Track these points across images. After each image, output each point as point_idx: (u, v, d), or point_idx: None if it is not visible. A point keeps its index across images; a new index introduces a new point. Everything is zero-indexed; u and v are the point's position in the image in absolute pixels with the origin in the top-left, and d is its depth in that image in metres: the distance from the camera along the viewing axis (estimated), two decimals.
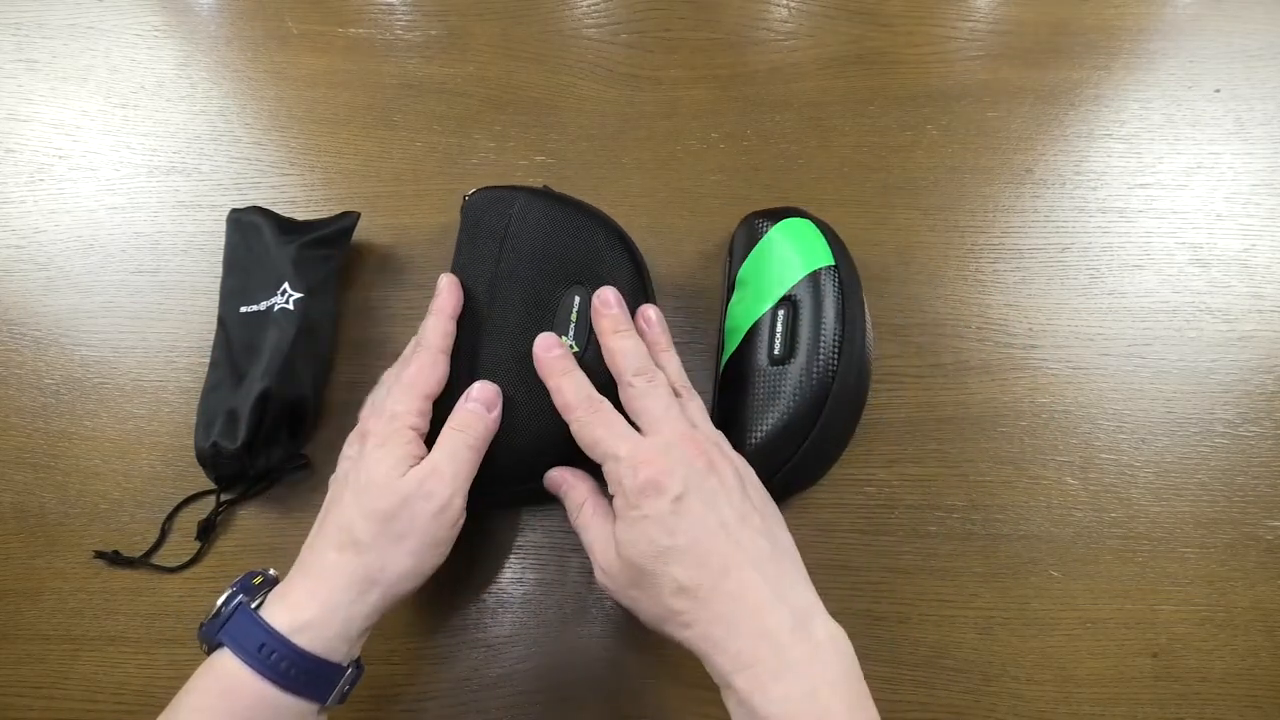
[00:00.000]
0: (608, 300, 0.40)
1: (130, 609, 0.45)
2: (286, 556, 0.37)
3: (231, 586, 0.35)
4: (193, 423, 0.47)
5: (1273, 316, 0.49)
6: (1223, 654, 0.43)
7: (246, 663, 0.32)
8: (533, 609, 0.45)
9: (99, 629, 0.45)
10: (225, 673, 0.32)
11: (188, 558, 0.46)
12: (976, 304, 0.50)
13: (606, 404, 0.37)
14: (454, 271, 0.42)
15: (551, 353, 0.38)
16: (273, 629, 0.32)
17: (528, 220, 0.43)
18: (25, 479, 0.48)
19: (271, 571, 0.37)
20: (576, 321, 0.41)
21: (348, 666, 0.34)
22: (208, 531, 0.45)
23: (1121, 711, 0.43)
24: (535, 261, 0.42)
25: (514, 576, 0.46)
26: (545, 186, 0.46)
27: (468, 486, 0.36)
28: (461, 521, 0.37)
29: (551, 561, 0.46)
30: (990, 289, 0.50)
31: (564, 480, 0.40)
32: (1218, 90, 0.54)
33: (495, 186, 0.45)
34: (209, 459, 0.44)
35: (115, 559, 0.45)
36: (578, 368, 0.39)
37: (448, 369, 0.39)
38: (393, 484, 0.35)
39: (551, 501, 0.41)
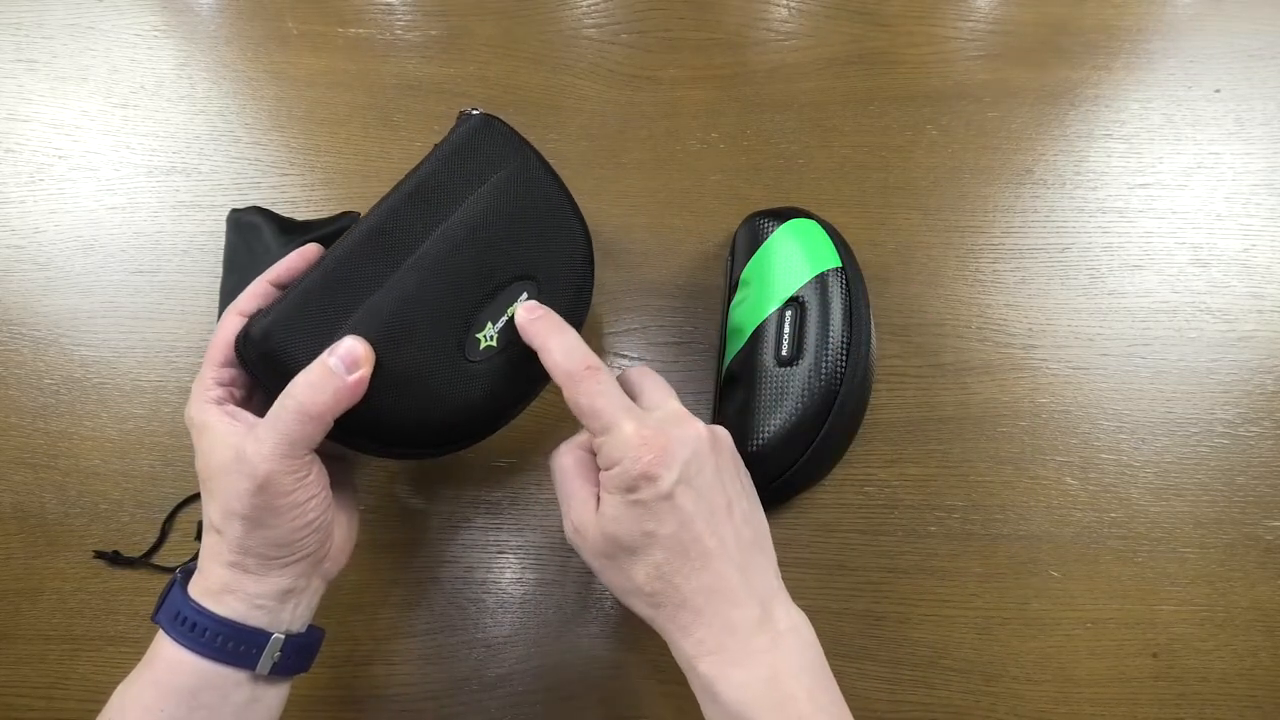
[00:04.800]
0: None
1: (130, 609, 0.45)
2: None
3: (176, 571, 0.35)
4: None
5: (1273, 316, 0.49)
6: (1223, 654, 0.43)
7: (171, 636, 0.32)
8: (533, 609, 0.45)
9: (99, 629, 0.45)
10: (157, 653, 0.33)
11: (188, 558, 0.46)
12: (976, 304, 0.50)
13: (604, 370, 0.34)
14: (418, 177, 0.38)
15: (535, 313, 0.36)
16: (188, 597, 0.33)
17: (519, 182, 0.39)
18: (25, 479, 0.48)
19: None
20: (510, 318, 0.38)
21: (277, 634, 0.33)
22: None
23: (1121, 711, 0.43)
24: (502, 228, 0.38)
25: (514, 576, 0.46)
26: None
27: (299, 453, 0.32)
28: (302, 489, 0.32)
29: (551, 561, 0.46)
30: (990, 289, 0.50)
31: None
32: (1218, 90, 0.54)
33: (506, 127, 0.40)
34: None
35: (115, 559, 0.45)
36: (570, 328, 0.36)
37: (238, 327, 0.35)
38: (212, 461, 0.33)
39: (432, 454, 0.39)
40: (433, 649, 0.44)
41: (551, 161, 0.41)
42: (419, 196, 0.38)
